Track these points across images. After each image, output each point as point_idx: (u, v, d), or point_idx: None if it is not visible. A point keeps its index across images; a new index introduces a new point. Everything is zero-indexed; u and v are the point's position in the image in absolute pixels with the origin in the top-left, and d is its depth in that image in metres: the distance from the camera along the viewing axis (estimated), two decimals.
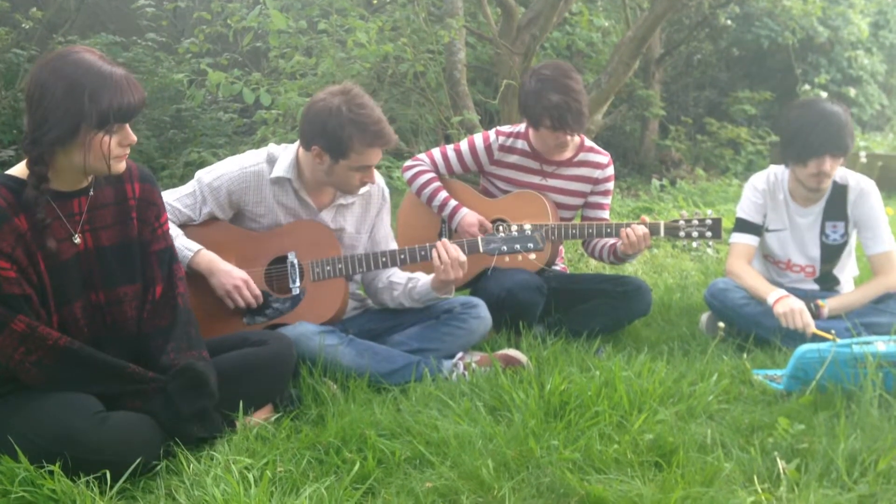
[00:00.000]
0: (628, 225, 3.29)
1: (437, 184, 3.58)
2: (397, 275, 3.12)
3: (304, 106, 2.94)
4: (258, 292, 2.89)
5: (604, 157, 3.62)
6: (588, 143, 3.63)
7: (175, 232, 2.83)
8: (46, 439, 2.04)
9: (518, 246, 2.93)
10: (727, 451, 2.23)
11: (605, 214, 3.66)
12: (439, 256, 2.91)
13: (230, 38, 5.91)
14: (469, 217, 3.49)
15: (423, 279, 3.04)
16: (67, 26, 7.77)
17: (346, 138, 2.79)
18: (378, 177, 3.14)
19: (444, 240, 2.95)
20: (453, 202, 3.53)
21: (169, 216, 2.86)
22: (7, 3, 6.98)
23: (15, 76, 6.80)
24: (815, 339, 3.03)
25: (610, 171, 3.64)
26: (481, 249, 2.96)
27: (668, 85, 10.90)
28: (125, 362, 2.23)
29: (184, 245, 2.84)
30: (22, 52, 6.88)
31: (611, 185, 3.67)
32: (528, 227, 2.95)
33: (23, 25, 7.07)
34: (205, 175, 2.96)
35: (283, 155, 2.97)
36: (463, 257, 2.91)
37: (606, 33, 8.40)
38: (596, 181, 3.61)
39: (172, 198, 2.93)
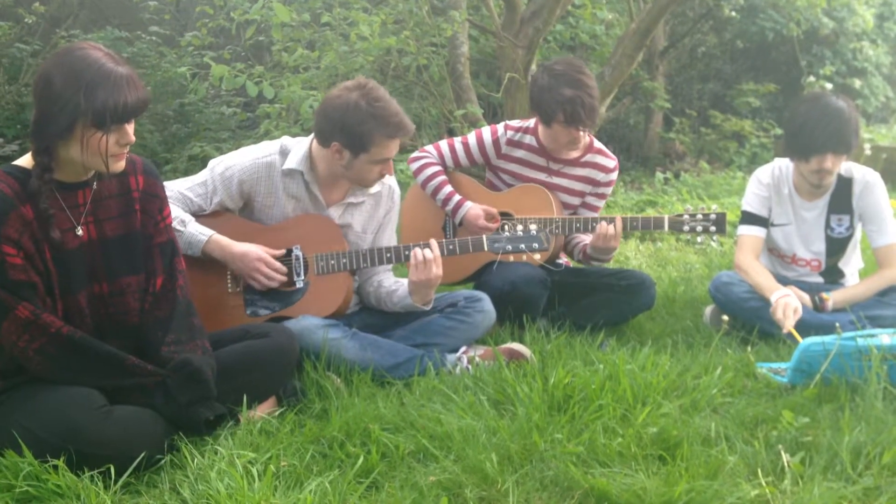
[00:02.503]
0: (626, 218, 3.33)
1: (442, 177, 3.57)
2: (389, 278, 3.12)
3: (319, 104, 2.94)
4: (277, 264, 2.88)
5: (611, 161, 3.61)
6: (597, 144, 3.62)
7: (187, 217, 2.85)
8: (51, 434, 2.04)
9: (523, 245, 2.92)
10: (731, 444, 2.23)
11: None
12: (417, 255, 2.89)
13: (233, 30, 5.90)
14: (474, 210, 3.47)
15: (406, 284, 3.02)
16: (70, 21, 7.77)
17: (367, 132, 2.78)
18: (390, 177, 3.14)
19: (432, 240, 2.94)
20: (457, 196, 3.52)
21: (181, 205, 2.88)
22: None
23: (18, 71, 6.80)
24: (791, 336, 3.03)
25: (613, 176, 3.63)
26: (486, 248, 2.95)
27: (672, 77, 10.86)
28: (125, 354, 2.24)
29: (197, 230, 2.84)
30: (25, 47, 6.88)
31: (609, 190, 3.67)
32: (533, 227, 2.95)
33: (26, 20, 7.06)
34: (217, 165, 2.96)
35: (297, 147, 2.96)
36: (430, 255, 2.88)
37: (610, 26, 8.37)
38: (597, 183, 3.60)
39: (184, 186, 2.94)
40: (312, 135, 2.99)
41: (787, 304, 3.15)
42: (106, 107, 2.08)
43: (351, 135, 2.80)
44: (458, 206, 3.50)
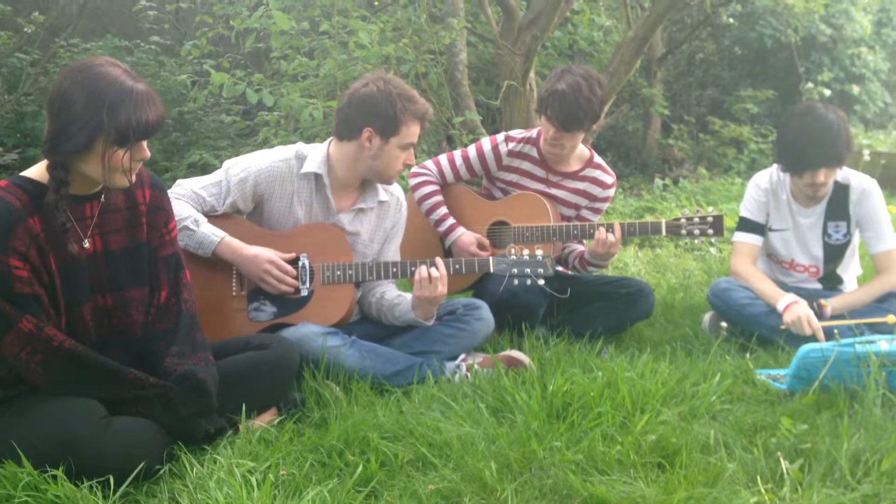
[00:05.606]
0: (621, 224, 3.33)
1: (438, 198, 3.57)
2: (392, 290, 3.12)
3: (342, 99, 3.00)
4: (288, 268, 2.90)
5: (609, 178, 3.62)
6: (597, 160, 3.63)
7: (201, 218, 2.87)
8: (50, 444, 2.04)
9: (528, 270, 2.95)
10: (730, 451, 2.23)
11: None
12: (422, 272, 2.89)
13: (233, 39, 5.91)
14: (466, 237, 3.48)
15: (408, 298, 3.03)
16: (70, 30, 7.79)
17: (400, 112, 2.88)
18: (397, 188, 3.16)
19: (438, 259, 2.95)
20: (451, 220, 3.53)
21: (194, 204, 2.89)
22: (9, 7, 7.00)
23: (17, 80, 6.82)
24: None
25: (611, 192, 3.64)
26: (492, 269, 2.98)
27: (671, 84, 10.89)
28: (127, 368, 2.23)
29: (209, 231, 2.85)
30: (24, 57, 6.90)
31: (605, 206, 3.68)
32: (539, 252, 2.97)
33: (25, 29, 7.09)
34: (233, 166, 2.97)
35: (314, 152, 2.99)
36: (436, 274, 2.89)
37: (608, 32, 8.40)
38: (593, 198, 3.61)
39: (198, 185, 2.94)
40: (329, 139, 3.02)
41: (799, 317, 3.14)
42: (129, 125, 2.10)
43: (383, 117, 2.88)
44: (451, 230, 3.51)
